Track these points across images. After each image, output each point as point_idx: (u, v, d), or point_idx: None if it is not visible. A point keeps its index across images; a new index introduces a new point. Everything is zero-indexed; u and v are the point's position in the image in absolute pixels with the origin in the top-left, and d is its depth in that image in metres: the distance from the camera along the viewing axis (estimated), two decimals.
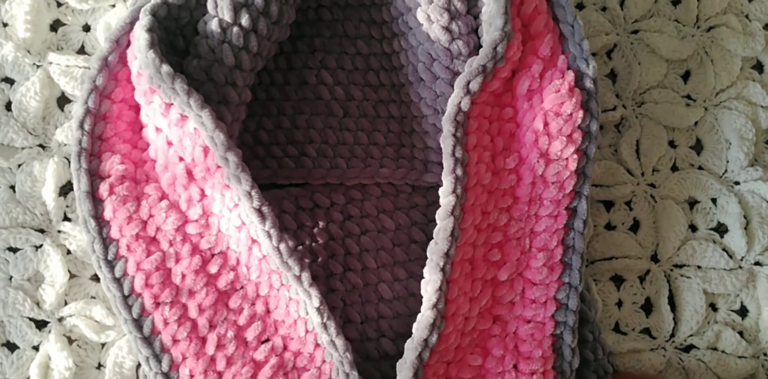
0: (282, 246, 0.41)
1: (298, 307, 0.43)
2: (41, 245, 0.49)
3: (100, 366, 0.49)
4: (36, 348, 0.49)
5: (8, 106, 0.51)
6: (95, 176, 0.44)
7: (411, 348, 0.41)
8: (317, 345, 0.43)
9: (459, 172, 0.42)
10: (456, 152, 0.43)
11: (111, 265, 0.43)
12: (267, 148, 0.49)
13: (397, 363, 0.42)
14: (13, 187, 0.50)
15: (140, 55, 0.41)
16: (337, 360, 0.42)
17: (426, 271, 0.42)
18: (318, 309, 0.42)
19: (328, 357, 0.43)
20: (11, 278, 0.49)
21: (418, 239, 0.49)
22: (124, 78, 0.44)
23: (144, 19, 0.41)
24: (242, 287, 0.44)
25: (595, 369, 0.47)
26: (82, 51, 0.52)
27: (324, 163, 0.49)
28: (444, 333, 0.42)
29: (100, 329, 0.48)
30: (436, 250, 0.42)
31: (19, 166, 0.50)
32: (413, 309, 0.48)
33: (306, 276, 0.42)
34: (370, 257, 0.48)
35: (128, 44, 0.44)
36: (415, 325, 0.42)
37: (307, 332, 0.43)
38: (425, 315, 0.41)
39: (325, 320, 0.42)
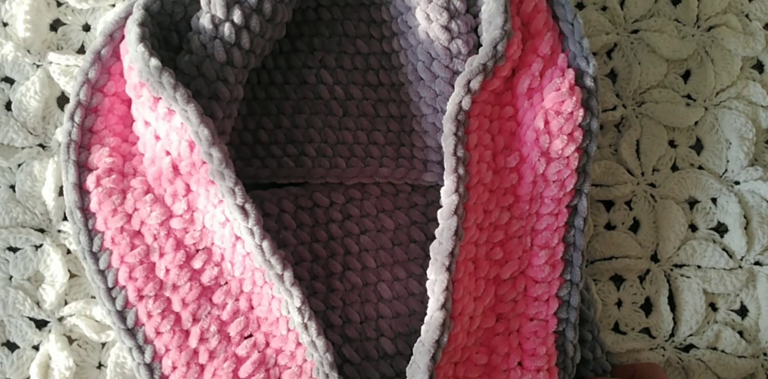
0: (265, 244, 0.41)
1: (280, 305, 0.43)
2: (41, 245, 0.49)
3: (100, 366, 0.49)
4: (36, 348, 0.49)
5: (8, 106, 0.51)
6: (83, 168, 0.44)
7: (423, 351, 0.41)
8: (299, 344, 0.43)
9: (461, 171, 0.42)
10: (458, 151, 0.43)
11: (96, 257, 0.44)
12: (266, 148, 0.49)
13: (408, 368, 0.42)
14: (13, 187, 0.50)
15: (130, 48, 0.41)
16: (317, 360, 0.42)
17: (431, 271, 0.42)
18: (299, 309, 0.42)
19: (309, 356, 0.43)
20: (11, 277, 0.49)
21: (417, 238, 0.49)
22: (117, 72, 0.44)
23: (136, 13, 0.42)
24: (226, 283, 0.44)
25: (594, 368, 0.47)
26: (82, 51, 0.52)
27: (323, 163, 0.49)
28: (452, 333, 0.42)
29: (100, 329, 0.48)
30: (440, 250, 0.42)
31: (19, 165, 0.50)
32: (413, 309, 0.48)
33: (288, 275, 0.42)
34: (369, 256, 0.48)
35: (122, 38, 0.44)
36: (424, 327, 0.42)
37: (288, 330, 0.43)
38: (435, 316, 0.41)
39: (305, 320, 0.42)
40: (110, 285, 0.44)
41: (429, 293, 0.42)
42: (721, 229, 0.54)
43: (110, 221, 0.44)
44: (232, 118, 0.45)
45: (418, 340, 0.41)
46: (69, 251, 0.49)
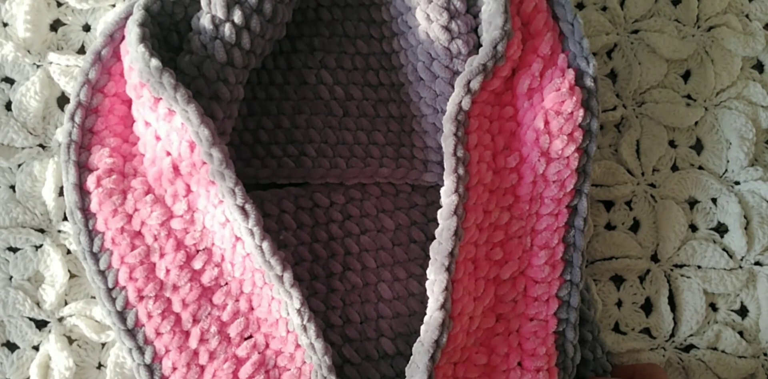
0: (264, 245, 0.41)
1: (279, 307, 0.43)
2: (41, 245, 0.49)
3: (100, 366, 0.49)
4: (36, 348, 0.49)
5: (8, 106, 0.51)
6: (84, 168, 0.44)
7: (422, 351, 0.41)
8: (298, 346, 0.43)
9: (461, 171, 0.42)
10: (458, 152, 0.43)
11: (96, 257, 0.44)
12: (266, 148, 0.49)
13: (407, 368, 0.42)
14: (13, 187, 0.50)
15: (131, 49, 0.41)
16: (315, 363, 0.42)
17: (430, 271, 0.42)
18: (298, 311, 0.42)
19: (308, 359, 0.43)
20: (11, 278, 0.49)
21: (417, 238, 0.49)
22: (118, 72, 0.44)
23: (137, 14, 0.42)
24: (226, 284, 0.44)
25: (594, 368, 0.47)
26: (82, 51, 0.52)
27: (323, 163, 0.49)
28: (452, 333, 0.42)
29: (100, 329, 0.48)
30: (440, 250, 0.42)
31: (19, 166, 0.50)
32: (413, 309, 0.48)
33: (288, 277, 0.42)
34: (369, 256, 0.48)
35: (122, 39, 0.44)
36: (423, 327, 0.42)
37: (288, 332, 0.43)
38: (434, 316, 0.41)
39: (305, 322, 0.42)
40: (110, 286, 0.44)
41: (428, 293, 0.42)
42: (721, 229, 0.54)
43: (111, 222, 0.44)
44: (233, 119, 0.45)
45: (418, 340, 0.41)
46: (69, 252, 0.50)
